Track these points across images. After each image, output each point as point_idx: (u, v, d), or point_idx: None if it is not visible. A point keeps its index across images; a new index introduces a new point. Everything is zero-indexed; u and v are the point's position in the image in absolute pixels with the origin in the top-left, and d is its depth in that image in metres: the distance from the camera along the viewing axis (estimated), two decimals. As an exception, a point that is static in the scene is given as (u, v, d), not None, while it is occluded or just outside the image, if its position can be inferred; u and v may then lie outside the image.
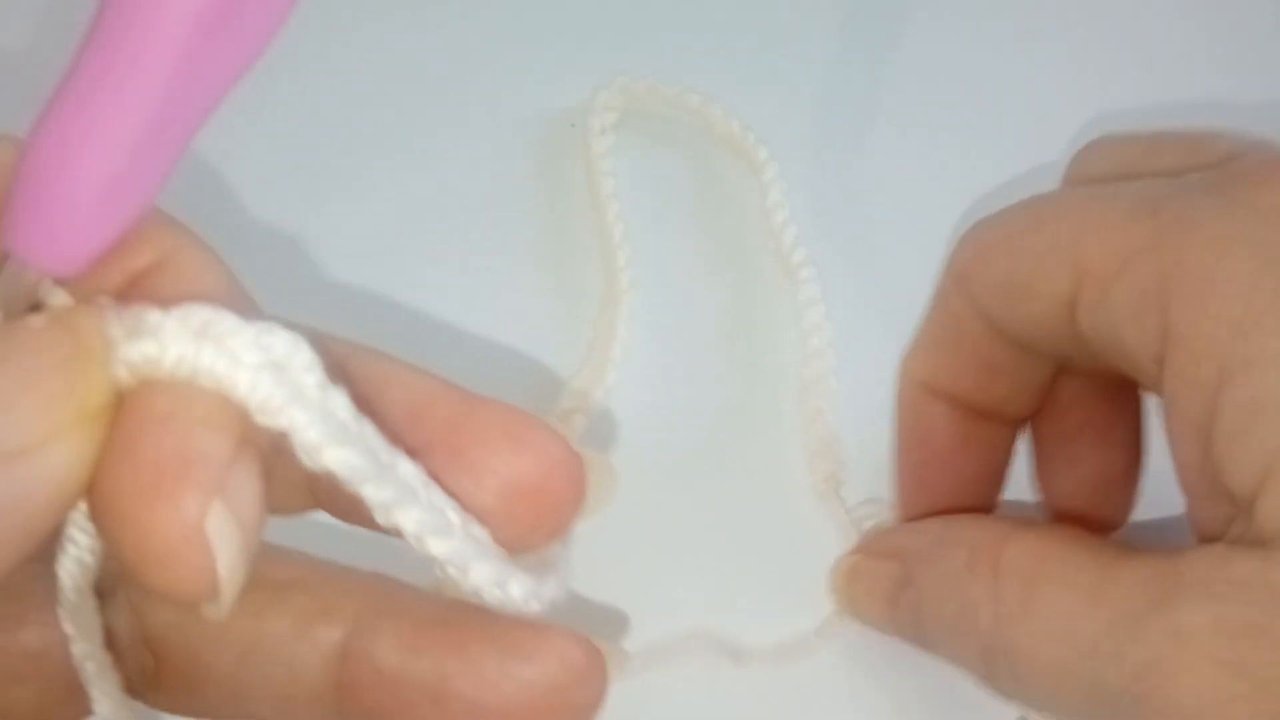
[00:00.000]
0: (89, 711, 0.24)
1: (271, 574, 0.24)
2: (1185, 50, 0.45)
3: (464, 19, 0.44)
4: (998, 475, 0.34)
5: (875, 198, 0.42)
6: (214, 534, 0.18)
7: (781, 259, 0.40)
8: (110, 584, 0.23)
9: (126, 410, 0.19)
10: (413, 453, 0.21)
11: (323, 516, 0.24)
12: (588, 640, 0.23)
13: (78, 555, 0.20)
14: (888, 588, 0.33)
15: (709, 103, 0.42)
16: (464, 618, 0.23)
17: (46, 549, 0.21)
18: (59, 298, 0.20)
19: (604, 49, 0.44)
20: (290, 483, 0.23)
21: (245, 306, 0.20)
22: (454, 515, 0.21)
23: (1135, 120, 0.33)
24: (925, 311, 0.32)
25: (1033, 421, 0.34)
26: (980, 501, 0.34)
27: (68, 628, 0.21)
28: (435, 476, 0.21)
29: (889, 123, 0.44)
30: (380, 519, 0.20)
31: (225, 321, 0.19)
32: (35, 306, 0.20)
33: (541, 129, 0.43)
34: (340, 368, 0.21)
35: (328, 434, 0.19)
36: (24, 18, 0.42)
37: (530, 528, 0.22)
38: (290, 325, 0.20)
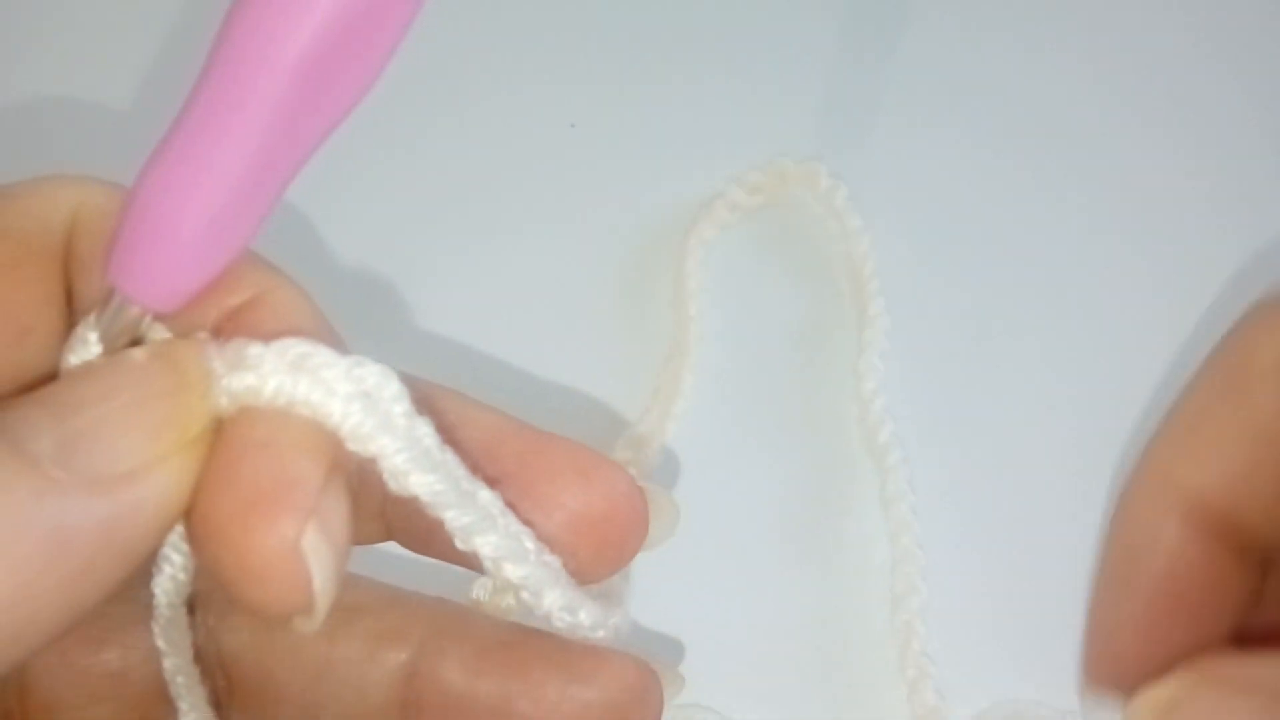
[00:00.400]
0: None
1: (342, 598, 0.25)
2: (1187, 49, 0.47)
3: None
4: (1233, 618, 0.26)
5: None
6: (309, 553, 0.19)
7: (866, 432, 0.39)
8: (188, 607, 0.24)
9: (226, 437, 0.20)
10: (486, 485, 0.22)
11: (385, 545, 0.25)
12: (645, 663, 0.24)
13: (172, 574, 0.21)
14: None
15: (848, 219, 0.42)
16: (526, 641, 0.24)
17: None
18: (158, 333, 0.21)
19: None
20: (365, 513, 0.24)
21: (333, 340, 0.21)
22: (529, 543, 0.22)
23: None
24: (1190, 410, 0.24)
25: None
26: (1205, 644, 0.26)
27: (161, 643, 0.22)
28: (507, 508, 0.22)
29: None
30: (460, 544, 0.21)
31: (320, 355, 0.20)
32: (135, 341, 0.21)
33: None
34: (425, 401, 0.22)
35: (414, 461, 0.20)
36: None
37: (595, 559, 0.23)
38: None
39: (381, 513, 0.24)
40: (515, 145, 0.44)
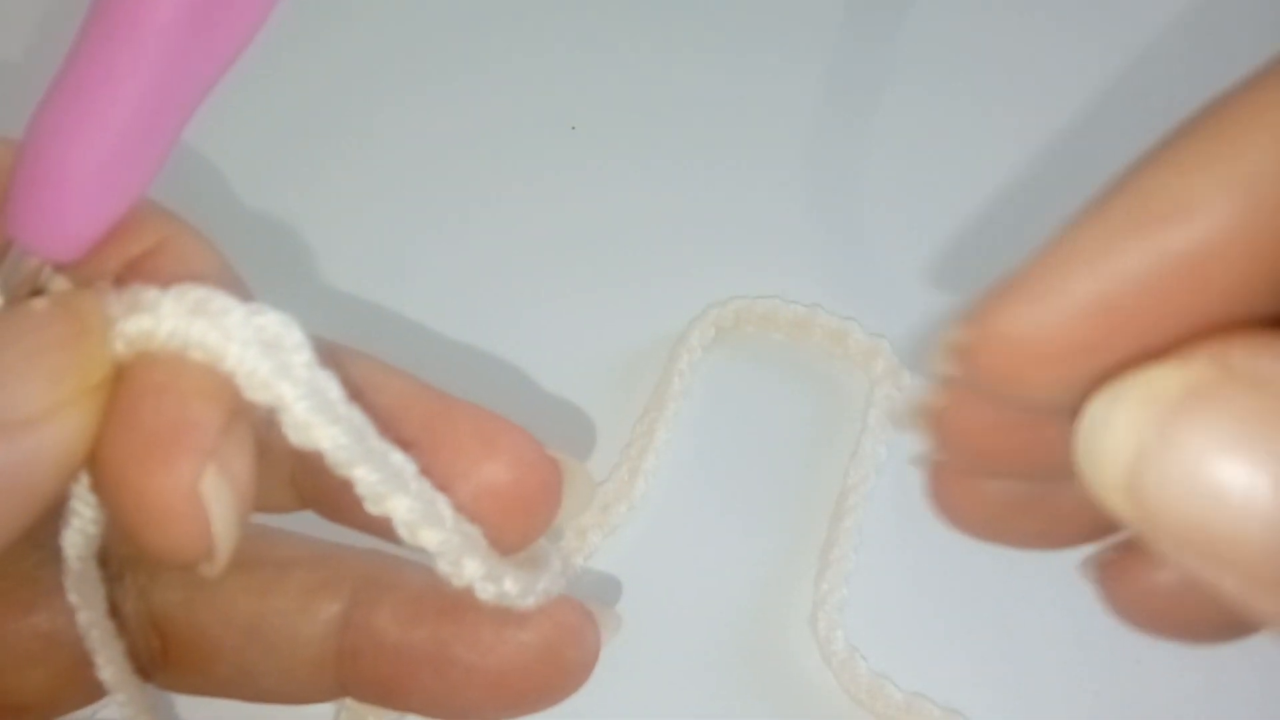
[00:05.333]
0: (99, 695, 0.25)
1: (273, 554, 0.25)
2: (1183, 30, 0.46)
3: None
4: None
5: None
6: (209, 496, 0.19)
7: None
8: (117, 569, 0.24)
9: (124, 383, 0.20)
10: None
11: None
12: (580, 604, 0.24)
13: (81, 526, 0.21)
14: None
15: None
16: None
17: (53, 531, 0.22)
18: (59, 284, 0.21)
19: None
20: (275, 479, 0.24)
21: (238, 290, 0.21)
22: (445, 508, 0.21)
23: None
24: None
25: None
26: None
27: (73, 597, 0.22)
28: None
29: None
30: (370, 507, 0.21)
31: (219, 300, 0.20)
32: (37, 292, 0.21)
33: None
34: (332, 357, 0.21)
35: (316, 411, 0.20)
36: (20, 29, 0.43)
37: (502, 530, 0.22)
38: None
39: (292, 479, 0.24)
40: (503, 138, 0.44)
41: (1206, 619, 0.21)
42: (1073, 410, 0.18)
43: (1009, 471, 0.20)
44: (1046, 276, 0.17)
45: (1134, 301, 0.17)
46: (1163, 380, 0.16)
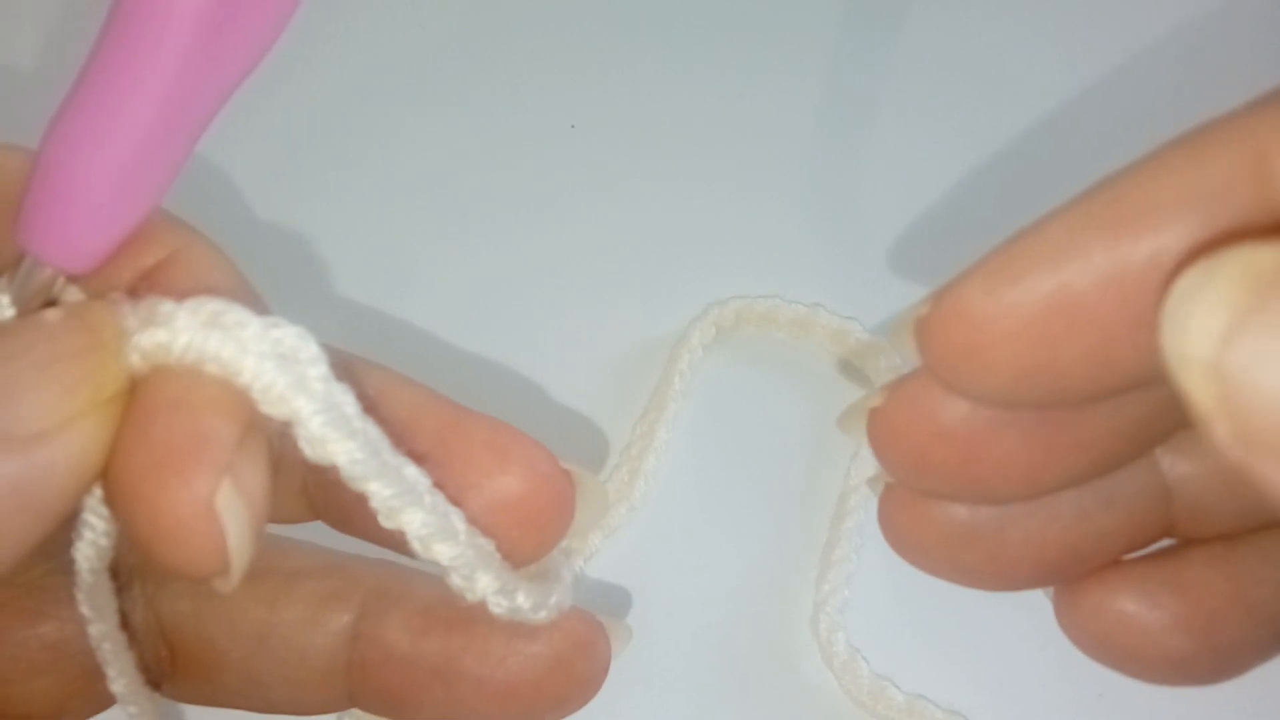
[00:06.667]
0: (104, 705, 0.24)
1: (282, 564, 0.25)
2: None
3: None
4: None
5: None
6: (224, 511, 0.19)
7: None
8: (126, 578, 0.24)
9: (139, 396, 0.20)
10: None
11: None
12: (591, 616, 0.24)
13: (93, 539, 0.21)
14: None
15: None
16: None
17: (61, 541, 0.22)
18: (72, 295, 0.21)
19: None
20: (287, 490, 0.24)
21: (252, 302, 0.21)
22: (459, 522, 0.21)
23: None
24: None
25: None
26: None
27: (85, 609, 0.22)
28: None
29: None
30: (385, 521, 0.21)
31: (234, 313, 0.20)
32: (50, 303, 0.21)
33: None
34: (346, 369, 0.21)
35: (332, 425, 0.20)
36: (31, 37, 0.43)
37: (515, 543, 0.22)
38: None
39: (304, 490, 0.24)
40: (501, 139, 0.44)
41: (1155, 652, 0.22)
42: (1012, 409, 0.20)
43: (946, 488, 0.21)
44: (1012, 262, 0.18)
45: (1093, 296, 0.18)
46: (1265, 254, 0.15)
